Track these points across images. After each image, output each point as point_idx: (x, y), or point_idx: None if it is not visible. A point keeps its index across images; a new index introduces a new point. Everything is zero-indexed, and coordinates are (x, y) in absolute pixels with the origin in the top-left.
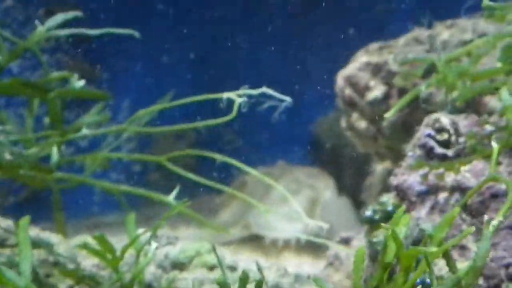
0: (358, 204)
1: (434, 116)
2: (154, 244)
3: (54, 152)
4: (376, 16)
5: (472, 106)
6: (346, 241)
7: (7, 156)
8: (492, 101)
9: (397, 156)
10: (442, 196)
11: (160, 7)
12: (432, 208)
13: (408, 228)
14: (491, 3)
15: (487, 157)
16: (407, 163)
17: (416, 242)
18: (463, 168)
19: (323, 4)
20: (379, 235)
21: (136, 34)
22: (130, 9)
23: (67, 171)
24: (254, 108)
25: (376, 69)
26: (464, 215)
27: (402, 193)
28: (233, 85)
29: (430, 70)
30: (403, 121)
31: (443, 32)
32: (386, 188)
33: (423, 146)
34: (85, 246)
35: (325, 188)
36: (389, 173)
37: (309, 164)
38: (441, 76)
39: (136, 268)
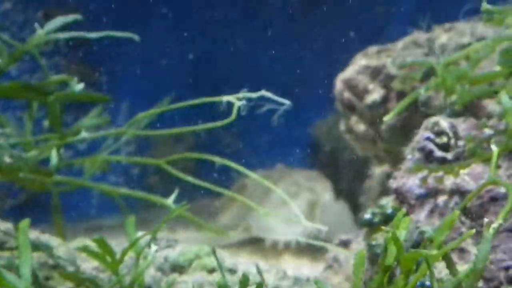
0: (355, 207)
1: (433, 119)
2: (154, 247)
3: (54, 155)
4: (375, 19)
5: (470, 109)
6: (345, 244)
7: (7, 159)
8: (490, 105)
9: (396, 159)
10: (442, 199)
11: (159, 10)
12: (432, 211)
13: (408, 231)
14: (490, 7)
15: (486, 160)
16: (406, 166)
17: (416, 245)
18: (462, 172)
19: (322, 7)
20: (378, 238)
21: (136, 37)
22: (129, 11)
23: (66, 174)
24: (253, 111)
25: (375, 73)
26: (463, 218)
27: (401, 196)
28: (232, 88)
29: (428, 73)
30: (401, 125)
31: (441, 35)
32: (384, 191)
33: (422, 149)
34: (85, 249)
35: (324, 191)
36: (388, 176)
37: (308, 167)
38: (440, 79)
39: (136, 271)
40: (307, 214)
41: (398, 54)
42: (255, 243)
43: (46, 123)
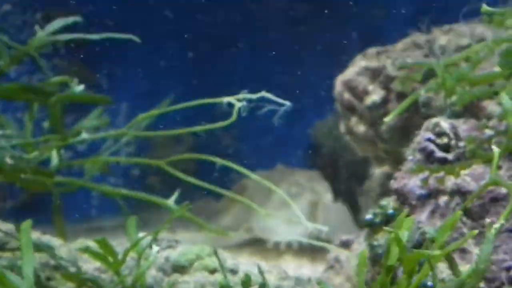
0: (353, 208)
1: (434, 120)
2: (155, 248)
3: (54, 156)
4: (374, 21)
5: (470, 110)
6: (346, 244)
7: (8, 160)
8: (490, 106)
9: (396, 160)
10: (443, 200)
11: (160, 12)
12: (433, 212)
13: (410, 232)
14: (490, 9)
15: (487, 161)
16: (407, 167)
17: (417, 245)
18: (463, 172)
19: (322, 9)
20: (380, 239)
21: (136, 39)
22: (129, 13)
23: (65, 175)
24: (253, 112)
25: (375, 74)
26: (464, 219)
27: (402, 197)
28: (232, 89)
29: (429, 74)
30: (401, 125)
31: (441, 37)
32: (384, 192)
33: (423, 150)
34: (87, 249)
35: (326, 191)
36: (388, 177)
37: (308, 168)
38: (440, 80)
39: (137, 272)
40: (310, 214)
41: (398, 56)
42: (257, 244)
43: (46, 124)
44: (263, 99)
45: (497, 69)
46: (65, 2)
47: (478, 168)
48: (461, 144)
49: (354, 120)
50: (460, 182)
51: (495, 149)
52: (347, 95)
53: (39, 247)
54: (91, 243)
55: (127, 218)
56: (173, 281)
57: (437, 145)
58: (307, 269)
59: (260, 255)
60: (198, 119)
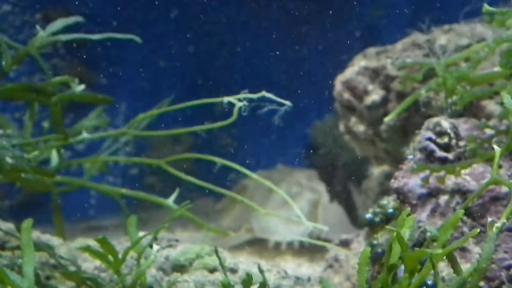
0: (350, 208)
1: (435, 120)
2: (155, 247)
3: (54, 156)
4: (374, 21)
5: (470, 110)
6: (345, 244)
7: (9, 160)
8: (490, 105)
9: (395, 160)
10: (443, 199)
11: (160, 12)
12: (433, 211)
13: (411, 231)
14: (491, 8)
15: (487, 160)
16: (408, 166)
17: (418, 244)
18: (463, 171)
19: (322, 9)
20: (380, 238)
21: (137, 39)
22: (129, 13)
23: (64, 175)
24: (253, 112)
25: (374, 74)
26: (465, 218)
27: (402, 196)
28: (232, 89)
29: (429, 74)
30: (401, 125)
31: (440, 37)
32: (383, 191)
33: (423, 150)
34: (87, 248)
35: (325, 190)
36: (387, 176)
37: (307, 167)
38: (441, 80)
39: (138, 271)
40: (311, 213)
41: (397, 56)
42: (257, 244)
43: (46, 124)
44: (263, 99)
45: (497, 69)
46: (65, 2)
47: (478, 167)
48: (462, 143)
49: (353, 119)
50: (461, 181)
51: (496, 148)
52: (346, 95)
53: (38, 246)
54: (91, 242)
55: (127, 217)
56: (173, 280)
57: (438, 145)
58: (306, 268)
59: (260, 254)
60: (199, 119)
